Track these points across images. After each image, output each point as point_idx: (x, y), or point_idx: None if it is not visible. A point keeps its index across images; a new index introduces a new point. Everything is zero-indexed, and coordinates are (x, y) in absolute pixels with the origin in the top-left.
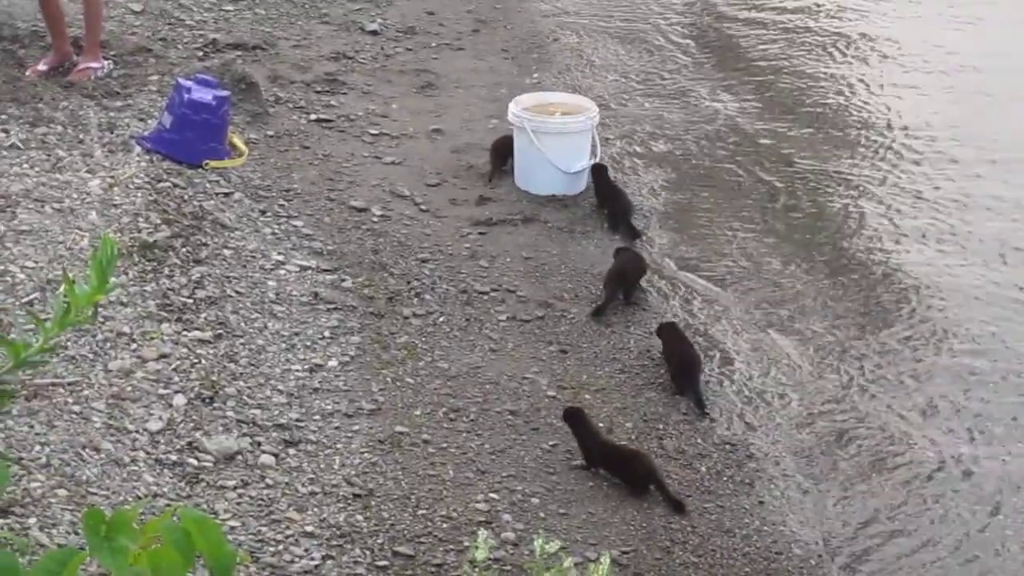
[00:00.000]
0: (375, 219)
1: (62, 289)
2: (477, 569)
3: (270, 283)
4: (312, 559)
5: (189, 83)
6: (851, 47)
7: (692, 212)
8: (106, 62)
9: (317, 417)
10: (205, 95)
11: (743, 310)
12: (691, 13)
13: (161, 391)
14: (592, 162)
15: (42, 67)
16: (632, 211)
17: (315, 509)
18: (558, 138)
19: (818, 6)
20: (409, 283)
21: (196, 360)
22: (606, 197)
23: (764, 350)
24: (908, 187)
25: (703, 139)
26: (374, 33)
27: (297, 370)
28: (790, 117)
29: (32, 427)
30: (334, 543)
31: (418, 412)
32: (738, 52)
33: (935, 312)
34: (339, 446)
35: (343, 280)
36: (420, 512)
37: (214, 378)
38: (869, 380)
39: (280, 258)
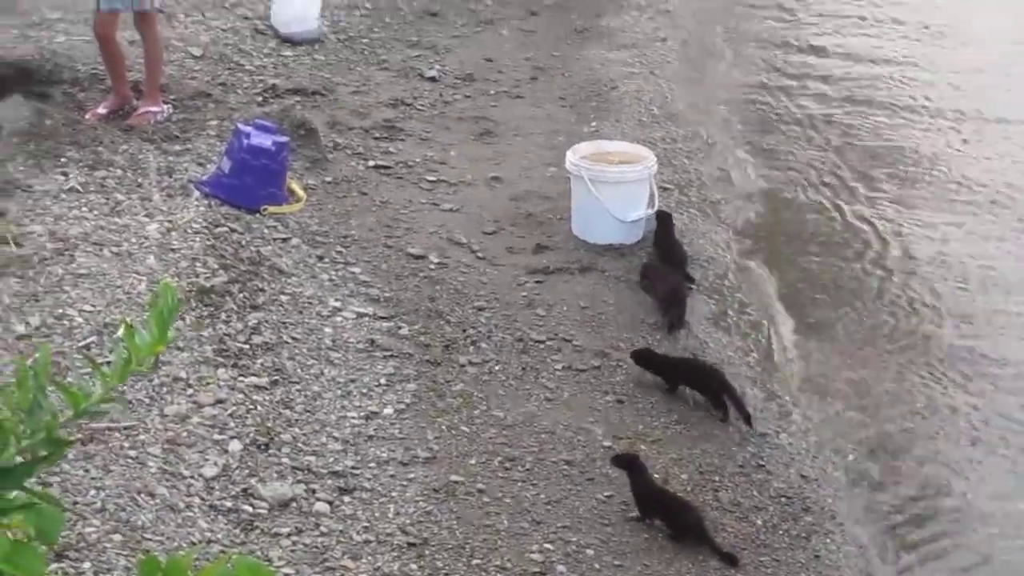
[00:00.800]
0: (432, 266)
1: (120, 332)
2: None
3: (327, 329)
4: None
5: (248, 128)
6: (915, 111)
7: (753, 259)
8: (166, 106)
9: (372, 465)
10: (264, 140)
11: (803, 361)
12: (750, 66)
13: (216, 437)
14: (655, 210)
15: (102, 110)
16: (687, 261)
17: (369, 557)
18: (616, 187)
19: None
20: (465, 331)
21: (252, 406)
22: (663, 246)
23: (823, 403)
24: (989, 235)
25: (765, 188)
26: (433, 80)
27: (353, 417)
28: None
29: (87, 471)
30: None
31: (473, 461)
32: (801, 109)
33: (991, 367)
34: (394, 494)
35: (399, 327)
36: (474, 562)
37: (269, 424)
38: (930, 436)
39: (337, 304)
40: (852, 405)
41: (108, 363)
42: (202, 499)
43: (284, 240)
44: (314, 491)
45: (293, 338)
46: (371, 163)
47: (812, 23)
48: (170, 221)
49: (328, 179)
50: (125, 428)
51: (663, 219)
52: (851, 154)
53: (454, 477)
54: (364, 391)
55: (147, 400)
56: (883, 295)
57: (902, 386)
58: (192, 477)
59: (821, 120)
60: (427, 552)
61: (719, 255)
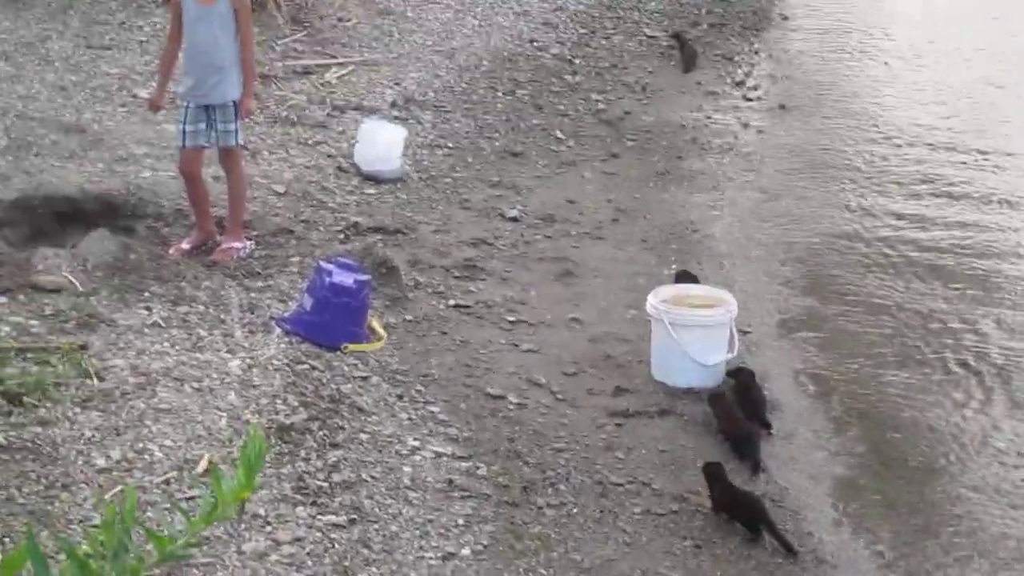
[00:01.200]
0: (511, 407)
1: (200, 467)
2: None
3: (405, 468)
4: None
5: (330, 266)
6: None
7: (829, 403)
8: (248, 242)
9: None
10: (346, 279)
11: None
12: (831, 211)
13: (294, 575)
14: (735, 354)
15: (185, 246)
16: (765, 406)
17: None
18: (696, 331)
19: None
20: (544, 473)
21: (330, 544)
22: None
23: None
24: None
25: (848, 327)
26: (514, 220)
27: (430, 558)
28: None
29: None
30: None
31: None
32: (885, 257)
33: None
34: None
35: (478, 467)
36: None
37: (347, 563)
38: None
39: (416, 444)
40: None
41: (188, 499)
42: None
43: (364, 378)
44: None
45: (372, 477)
46: (451, 302)
47: (897, 184)
48: (251, 357)
49: (408, 318)
50: (203, 565)
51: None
52: (937, 302)
53: None
54: (442, 531)
55: (225, 537)
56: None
57: None
58: None
59: (905, 266)
60: None
61: (796, 401)
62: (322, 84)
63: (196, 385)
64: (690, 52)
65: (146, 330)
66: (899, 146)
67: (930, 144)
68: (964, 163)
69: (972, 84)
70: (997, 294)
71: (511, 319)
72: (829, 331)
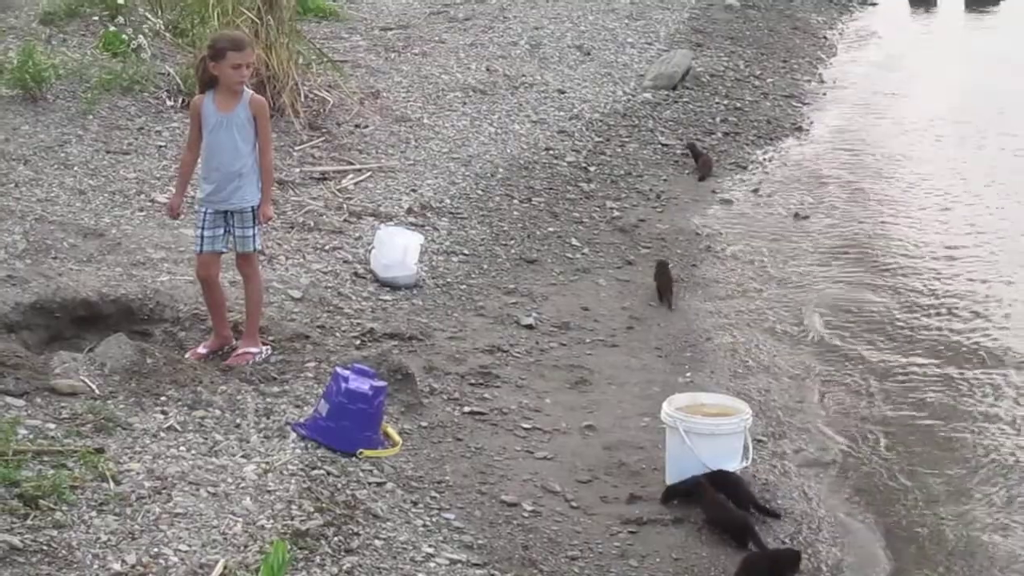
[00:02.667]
0: (526, 514)
1: (215, 572)
2: None
3: (420, 575)
4: None
5: (346, 372)
6: None
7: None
8: (265, 348)
9: None
10: (362, 385)
11: None
12: (838, 314)
13: None
14: (749, 463)
15: (202, 350)
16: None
17: None
18: (710, 439)
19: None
20: None
21: None
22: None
23: None
24: None
25: (863, 446)
26: (529, 327)
27: None
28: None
29: None
30: None
31: None
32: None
33: None
34: None
35: (492, 575)
36: None
37: None
38: None
39: (430, 551)
40: None
41: None
42: None
43: (379, 484)
44: None
45: None
46: (466, 409)
47: (918, 303)
48: (267, 463)
49: (423, 424)
50: None
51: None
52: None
53: None
54: None
55: None
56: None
57: None
58: None
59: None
60: None
61: (812, 510)
62: (339, 190)
63: (212, 490)
64: (705, 161)
65: (162, 434)
66: (914, 257)
67: (948, 257)
68: (984, 280)
69: (984, 195)
70: None
71: (526, 426)
72: (842, 447)
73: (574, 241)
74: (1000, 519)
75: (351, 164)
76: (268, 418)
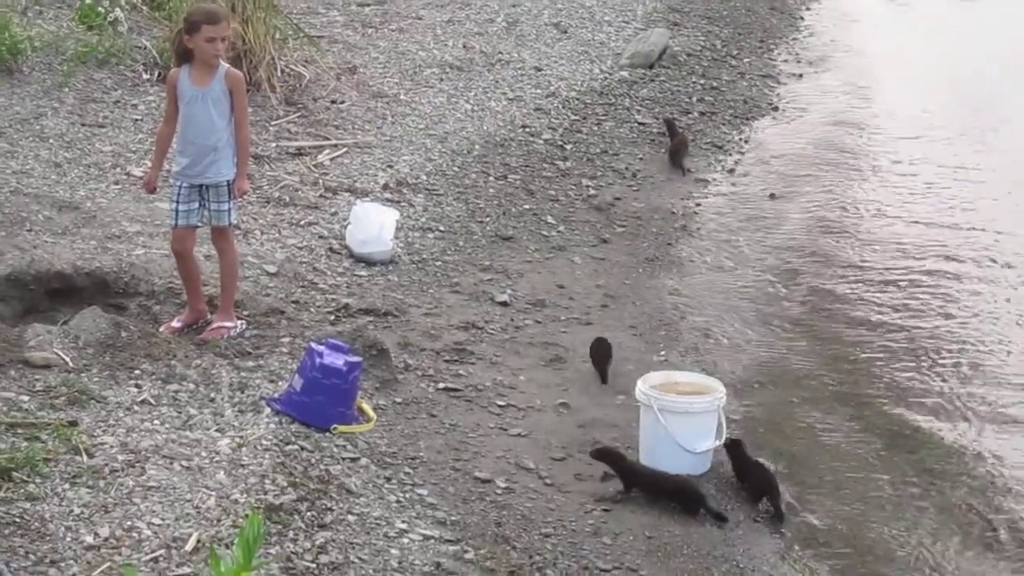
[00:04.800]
0: (499, 491)
1: (189, 546)
2: None
3: (393, 551)
4: None
5: (321, 347)
6: None
7: (820, 490)
8: (240, 322)
9: None
10: (336, 360)
11: None
12: (812, 293)
13: None
14: (727, 439)
15: (176, 324)
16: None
17: None
18: (684, 417)
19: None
20: (531, 557)
21: None
22: (746, 472)
23: None
24: None
25: (834, 423)
26: (504, 304)
27: None
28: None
29: None
30: None
31: None
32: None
33: None
34: None
35: (465, 551)
36: None
37: None
38: None
39: (404, 526)
40: None
41: None
42: None
43: (353, 460)
44: None
45: (360, 559)
46: (441, 385)
47: (885, 278)
48: (241, 437)
49: (398, 400)
50: None
51: (735, 447)
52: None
53: None
54: None
55: None
56: None
57: None
58: None
59: (894, 368)
60: None
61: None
62: (315, 166)
63: (185, 463)
64: (680, 142)
65: (136, 407)
66: (890, 236)
67: (921, 240)
68: (961, 262)
69: (965, 174)
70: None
71: (500, 403)
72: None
73: (550, 219)
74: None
75: (327, 139)
76: (242, 392)
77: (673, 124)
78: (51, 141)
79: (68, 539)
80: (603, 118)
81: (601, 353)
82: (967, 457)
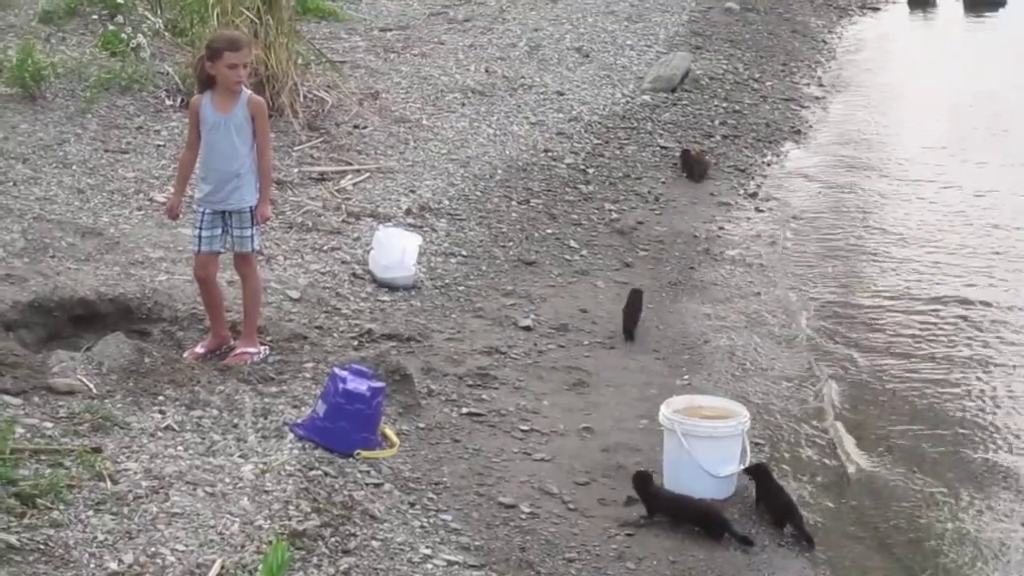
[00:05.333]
0: (523, 516)
1: (212, 572)
2: None
3: None
4: None
5: (344, 373)
6: None
7: (841, 517)
8: (263, 348)
9: None
10: (360, 385)
11: None
12: (835, 317)
13: None
14: (745, 466)
15: (200, 350)
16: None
17: None
18: (708, 442)
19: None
20: None
21: None
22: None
23: None
24: None
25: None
26: (527, 329)
27: None
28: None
29: None
30: None
31: None
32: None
33: None
34: None
35: None
36: None
37: None
38: None
39: (428, 552)
40: None
41: None
42: None
43: (377, 485)
44: None
45: None
46: (464, 410)
47: (912, 299)
48: (264, 463)
49: (421, 425)
50: None
51: (761, 472)
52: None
53: None
54: None
55: None
56: None
57: None
58: None
59: (919, 392)
60: None
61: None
62: (337, 191)
63: (209, 490)
64: (698, 161)
65: (160, 434)
66: (913, 260)
67: (944, 260)
68: (980, 277)
69: (990, 198)
70: None
71: (524, 428)
72: (840, 451)
73: (572, 243)
74: (1002, 524)
75: (350, 164)
76: (266, 418)
77: (689, 154)
78: (74, 167)
79: (92, 565)
80: (625, 142)
81: (634, 307)
82: (986, 478)
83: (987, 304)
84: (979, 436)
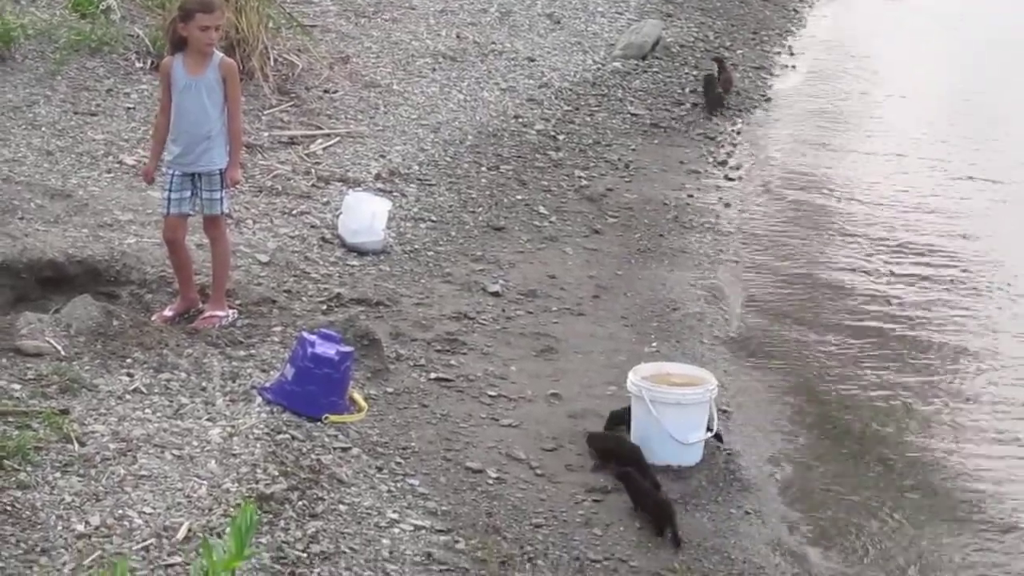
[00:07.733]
0: (490, 481)
1: (180, 535)
2: None
3: (384, 541)
4: None
5: (313, 337)
6: None
7: (810, 482)
8: (231, 311)
9: None
10: (328, 350)
11: None
12: (804, 284)
13: None
14: (714, 433)
15: (168, 313)
16: None
17: None
18: (676, 408)
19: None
20: (522, 548)
21: None
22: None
23: None
24: None
25: (821, 411)
26: (495, 295)
27: None
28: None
29: None
30: None
31: None
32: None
33: None
34: None
35: (456, 542)
36: None
37: None
38: None
39: (395, 516)
40: None
41: (168, 567)
42: None
43: (344, 449)
44: None
45: (351, 548)
46: (432, 375)
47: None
48: (232, 426)
49: (389, 390)
50: None
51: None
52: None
53: None
54: None
55: None
56: None
57: None
58: None
59: (893, 355)
60: None
61: (765, 486)
62: (307, 155)
63: (177, 452)
64: (727, 79)
65: (128, 396)
66: (881, 227)
67: (915, 229)
68: (950, 241)
69: (955, 168)
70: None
71: (492, 393)
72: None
73: (542, 209)
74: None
75: (320, 129)
76: (234, 382)
77: (723, 61)
78: (43, 129)
79: (59, 527)
80: (596, 109)
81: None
82: (934, 459)
83: (965, 272)
84: (942, 403)
